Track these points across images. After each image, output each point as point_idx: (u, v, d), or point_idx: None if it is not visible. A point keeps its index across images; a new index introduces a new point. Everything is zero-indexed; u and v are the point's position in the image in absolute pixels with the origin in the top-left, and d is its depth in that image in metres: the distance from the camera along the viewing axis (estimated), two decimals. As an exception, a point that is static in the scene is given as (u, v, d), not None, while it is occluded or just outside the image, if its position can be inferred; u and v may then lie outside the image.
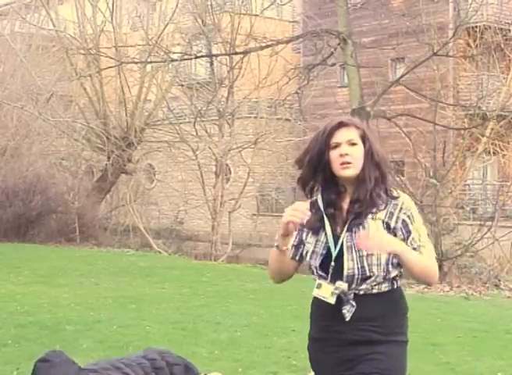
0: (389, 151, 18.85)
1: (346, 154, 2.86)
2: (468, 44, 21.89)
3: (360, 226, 2.82)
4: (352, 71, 14.68)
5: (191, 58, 19.81)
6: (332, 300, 2.82)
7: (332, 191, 2.92)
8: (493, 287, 12.73)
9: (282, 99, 17.86)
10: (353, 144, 2.89)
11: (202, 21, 20.89)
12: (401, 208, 2.86)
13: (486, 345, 7.49)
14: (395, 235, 2.83)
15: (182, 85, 25.09)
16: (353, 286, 2.82)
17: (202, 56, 20.34)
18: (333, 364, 2.88)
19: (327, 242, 2.87)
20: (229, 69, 20.40)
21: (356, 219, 2.84)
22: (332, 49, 14.92)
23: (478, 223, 15.58)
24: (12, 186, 18.75)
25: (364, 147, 2.89)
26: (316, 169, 2.92)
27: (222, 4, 22.33)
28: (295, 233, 2.96)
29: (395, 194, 2.89)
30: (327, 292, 2.84)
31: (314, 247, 2.90)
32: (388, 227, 2.84)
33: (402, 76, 16.08)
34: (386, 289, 2.86)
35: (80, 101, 23.18)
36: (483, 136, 20.31)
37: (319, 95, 23.65)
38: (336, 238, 2.87)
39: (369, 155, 2.88)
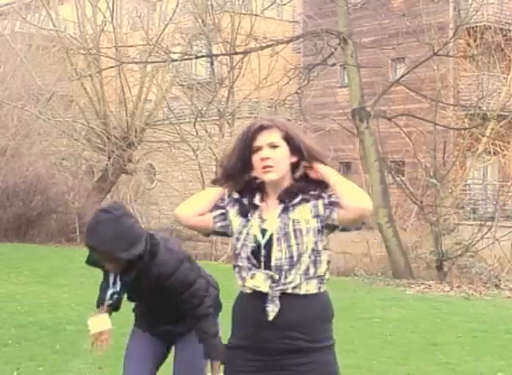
0: (389, 151, 18.88)
1: (267, 158, 2.81)
2: (468, 44, 21.89)
3: (289, 218, 2.80)
4: (352, 71, 14.67)
5: (191, 59, 19.79)
6: (266, 287, 2.76)
7: (256, 192, 2.89)
8: (493, 287, 12.72)
9: (282, 99, 17.83)
10: (275, 146, 2.83)
11: (202, 21, 20.90)
12: (328, 195, 2.83)
13: (486, 345, 7.49)
14: (325, 221, 2.81)
15: (182, 85, 25.10)
16: (282, 279, 2.76)
17: (202, 56, 20.34)
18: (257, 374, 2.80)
19: (255, 235, 2.82)
20: (230, 69, 20.41)
21: (284, 211, 2.82)
22: (333, 49, 14.91)
23: (479, 223, 15.59)
24: (12, 186, 18.75)
25: (289, 147, 2.84)
26: (240, 174, 2.87)
27: (223, 4, 22.34)
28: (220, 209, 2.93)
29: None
30: (260, 281, 2.78)
31: (244, 240, 2.84)
32: (317, 216, 2.81)
33: (402, 76, 16.07)
34: (314, 291, 2.80)
35: (80, 101, 23.18)
36: (483, 136, 20.31)
37: (319, 95, 23.65)
38: (264, 232, 2.82)
39: (297, 153, 2.84)
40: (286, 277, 2.77)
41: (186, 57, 19.03)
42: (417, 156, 16.91)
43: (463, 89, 23.40)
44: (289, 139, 2.85)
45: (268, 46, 16.02)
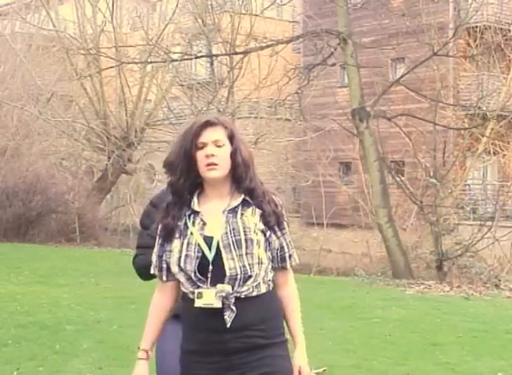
0: (389, 152, 18.88)
1: (212, 155, 2.76)
2: (468, 44, 21.89)
3: (235, 223, 2.74)
4: (352, 71, 14.68)
5: (191, 59, 19.79)
6: (219, 303, 2.69)
7: (197, 191, 2.83)
8: (493, 287, 12.72)
9: (282, 99, 17.83)
10: (220, 144, 2.79)
11: (202, 21, 20.88)
12: (275, 204, 2.82)
13: (486, 345, 7.49)
14: (268, 230, 2.79)
15: (182, 85, 25.09)
16: (236, 288, 2.71)
17: (202, 56, 20.33)
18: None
19: (199, 244, 2.73)
20: (230, 69, 20.39)
21: (230, 216, 2.76)
22: (332, 49, 14.91)
23: (479, 223, 15.58)
24: (12, 186, 18.75)
25: (232, 147, 2.81)
26: (184, 171, 2.79)
27: (222, 4, 22.33)
28: (156, 248, 2.85)
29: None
30: (210, 298, 2.70)
31: (187, 251, 2.74)
32: (264, 222, 2.78)
33: (402, 76, 16.07)
34: (264, 291, 2.78)
35: (80, 102, 23.18)
36: (483, 136, 20.31)
37: (319, 95, 23.66)
38: (210, 240, 2.74)
39: (233, 155, 2.80)
40: (240, 286, 2.72)
41: (186, 57, 19.03)
42: (417, 156, 16.90)
43: (463, 89, 23.40)
44: (232, 139, 2.82)
45: (268, 46, 16.02)
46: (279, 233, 2.83)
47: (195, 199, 2.81)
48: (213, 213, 2.78)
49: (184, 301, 2.83)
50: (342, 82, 24.71)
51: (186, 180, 2.80)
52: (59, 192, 20.12)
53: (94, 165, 24.31)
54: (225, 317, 2.71)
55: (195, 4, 21.44)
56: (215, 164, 2.76)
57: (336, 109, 21.49)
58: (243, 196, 2.80)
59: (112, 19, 21.80)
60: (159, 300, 2.90)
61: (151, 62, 20.02)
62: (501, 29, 21.91)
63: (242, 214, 2.77)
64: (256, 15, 21.18)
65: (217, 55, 20.42)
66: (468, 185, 22.87)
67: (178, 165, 2.79)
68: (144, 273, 3.46)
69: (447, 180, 16.73)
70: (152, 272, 2.93)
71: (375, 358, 6.80)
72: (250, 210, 2.79)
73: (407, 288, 12.25)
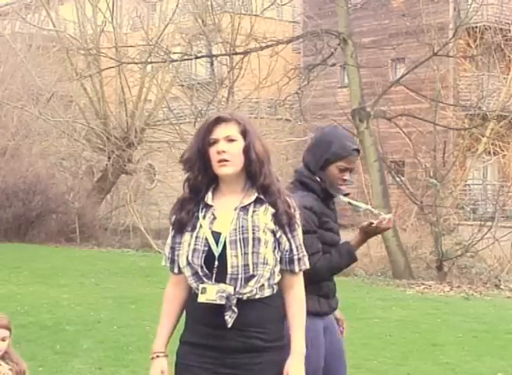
0: (389, 152, 18.88)
1: (223, 151, 2.75)
2: (468, 45, 21.89)
3: (245, 221, 2.73)
4: (352, 71, 14.68)
5: (191, 59, 19.80)
6: (222, 300, 2.69)
7: (213, 186, 2.82)
8: (493, 288, 12.74)
9: (282, 99, 17.83)
10: (232, 140, 2.77)
11: (202, 21, 20.87)
12: (290, 207, 2.78)
13: (486, 345, 7.50)
14: (279, 230, 2.76)
15: (182, 85, 25.09)
16: (238, 289, 2.70)
17: (202, 56, 20.34)
18: (210, 371, 2.75)
19: (207, 239, 2.73)
20: (230, 69, 20.39)
21: (241, 214, 2.75)
22: (333, 49, 14.92)
23: (479, 223, 15.59)
24: (12, 186, 18.75)
25: (245, 142, 2.78)
26: (201, 168, 2.79)
27: (223, 4, 22.33)
28: (170, 240, 2.86)
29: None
30: (213, 294, 2.70)
31: (195, 244, 2.75)
32: (276, 221, 2.76)
33: (402, 77, 16.08)
34: (268, 294, 2.76)
35: (80, 102, 23.17)
36: (483, 136, 20.31)
37: (319, 95, 23.65)
38: (217, 236, 2.73)
39: (246, 151, 2.77)
40: (242, 287, 2.71)
41: (186, 57, 19.04)
42: (417, 156, 16.92)
43: (463, 89, 23.40)
44: (246, 134, 2.80)
45: (268, 46, 16.02)
46: (289, 235, 2.80)
47: (209, 194, 2.81)
48: (225, 209, 2.77)
49: (190, 294, 2.84)
50: (342, 82, 24.71)
51: (203, 176, 2.80)
52: (59, 192, 20.11)
53: (94, 165, 24.29)
54: (226, 317, 2.70)
55: (195, 4, 21.43)
56: (226, 160, 2.75)
57: (336, 109, 21.50)
58: (256, 194, 2.78)
59: (112, 19, 21.80)
60: (173, 293, 2.90)
61: (151, 63, 20.01)
62: (501, 29, 21.91)
63: (254, 212, 2.76)
64: (256, 15, 21.18)
65: (217, 56, 20.41)
66: (468, 185, 22.87)
67: (195, 162, 2.80)
68: (330, 274, 3.53)
69: (447, 181, 16.76)
70: (163, 264, 2.93)
71: (375, 358, 6.80)
72: (262, 208, 2.77)
73: (407, 288, 12.26)
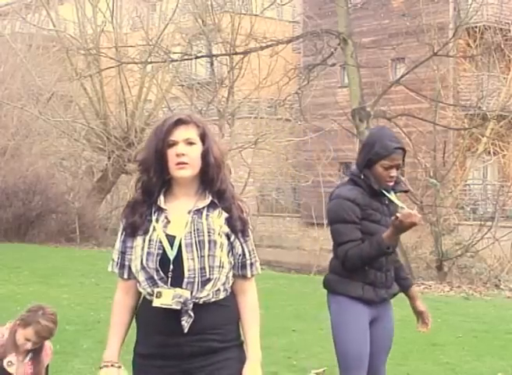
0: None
1: (183, 154, 2.70)
2: (468, 45, 21.90)
3: (200, 224, 2.69)
4: (352, 71, 14.68)
5: (191, 59, 19.80)
6: (178, 305, 2.63)
7: (164, 189, 2.77)
8: (493, 288, 12.74)
9: (282, 99, 17.85)
10: (191, 143, 2.73)
11: (202, 21, 20.87)
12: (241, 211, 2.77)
13: (486, 345, 7.50)
14: (232, 234, 2.73)
15: (182, 85, 25.09)
16: (194, 293, 2.65)
17: (202, 56, 20.33)
18: None
19: (161, 241, 2.67)
20: (230, 69, 20.39)
21: (195, 217, 2.72)
22: (333, 49, 14.92)
23: (478, 223, 15.61)
24: (12, 186, 18.75)
25: (203, 146, 2.75)
26: (157, 169, 2.73)
27: (223, 4, 22.32)
28: (119, 244, 2.79)
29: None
30: (169, 299, 2.64)
31: (148, 248, 2.68)
32: (229, 226, 2.73)
33: (402, 77, 16.08)
34: (223, 297, 2.74)
35: (80, 102, 23.17)
36: (483, 136, 20.32)
37: (319, 95, 23.66)
38: (172, 239, 2.68)
39: (205, 155, 2.74)
40: (199, 292, 2.67)
41: (186, 57, 19.03)
42: (417, 156, 16.92)
43: (462, 89, 23.41)
44: (204, 138, 2.76)
45: (268, 46, 16.02)
46: (241, 240, 2.77)
47: (161, 197, 2.75)
48: (178, 212, 2.72)
49: (141, 302, 2.78)
50: (342, 82, 24.72)
51: (158, 178, 2.74)
52: (59, 192, 20.11)
53: (94, 165, 24.29)
54: (183, 322, 2.65)
55: (195, 4, 21.43)
56: (185, 163, 2.71)
57: (336, 109, 21.51)
58: (211, 198, 2.74)
59: (112, 19, 21.80)
60: (123, 299, 2.83)
61: (151, 62, 20.01)
62: (501, 29, 21.92)
63: (207, 215, 2.72)
64: (256, 15, 21.18)
65: (217, 55, 20.41)
66: (468, 185, 22.88)
67: (151, 163, 2.74)
68: (361, 262, 3.72)
69: (447, 181, 16.77)
70: (110, 269, 2.85)
71: (375, 359, 6.79)
72: (216, 212, 2.73)
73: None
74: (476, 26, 21.27)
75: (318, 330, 7.68)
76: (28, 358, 4.26)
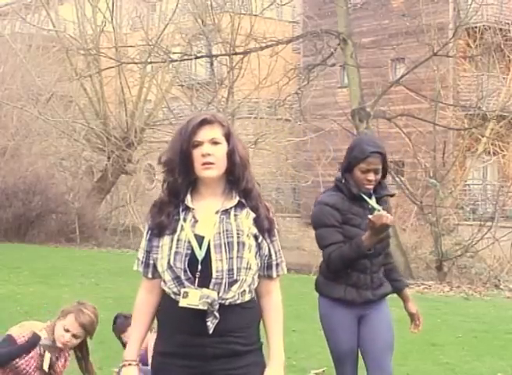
0: (388, 152, 18.86)
1: (208, 154, 2.69)
2: (468, 45, 21.91)
3: (229, 225, 2.69)
4: (352, 71, 14.68)
5: (191, 59, 19.78)
6: (204, 306, 2.63)
7: (190, 188, 2.76)
8: (493, 288, 12.73)
9: (282, 99, 17.83)
10: (216, 143, 2.71)
11: (202, 21, 20.88)
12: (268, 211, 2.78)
13: (486, 345, 7.50)
14: (260, 235, 2.74)
15: (182, 85, 25.10)
16: (221, 294, 2.65)
17: (202, 56, 20.33)
18: None
19: (190, 242, 2.67)
20: (229, 69, 20.39)
21: (223, 217, 2.71)
22: (332, 49, 14.92)
23: (478, 223, 15.59)
24: (11, 186, 18.75)
25: (228, 146, 2.74)
26: (180, 169, 2.72)
27: (222, 4, 22.32)
28: (144, 243, 2.80)
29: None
30: (196, 299, 2.63)
31: (177, 247, 2.68)
32: (257, 226, 2.73)
33: (402, 77, 16.08)
34: (248, 299, 2.74)
35: (80, 102, 23.18)
36: (483, 136, 20.33)
37: (319, 96, 23.65)
38: (200, 239, 2.68)
39: (230, 155, 2.73)
40: (225, 292, 2.67)
41: (185, 57, 19.02)
42: (417, 156, 16.92)
43: (462, 89, 23.41)
44: (229, 137, 2.75)
45: (267, 46, 16.02)
46: (268, 240, 2.76)
47: (188, 196, 2.75)
48: (205, 212, 2.72)
49: (165, 301, 2.77)
50: (342, 82, 24.71)
51: (183, 179, 2.73)
52: (59, 192, 20.12)
53: (94, 165, 24.30)
54: (208, 323, 2.65)
55: (195, 4, 21.43)
56: (211, 163, 2.70)
57: (336, 110, 21.50)
58: (238, 198, 2.74)
59: (111, 19, 21.79)
60: (146, 298, 2.83)
61: (150, 63, 20.00)
62: (501, 29, 21.92)
63: (235, 216, 2.71)
64: (256, 15, 21.18)
65: (217, 56, 20.41)
66: (468, 185, 22.88)
67: (176, 164, 2.72)
68: (343, 264, 3.87)
69: (447, 181, 16.76)
70: (136, 269, 2.86)
71: (375, 359, 6.79)
72: (244, 213, 2.73)
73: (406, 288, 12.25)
74: (476, 27, 21.27)
75: (317, 331, 7.66)
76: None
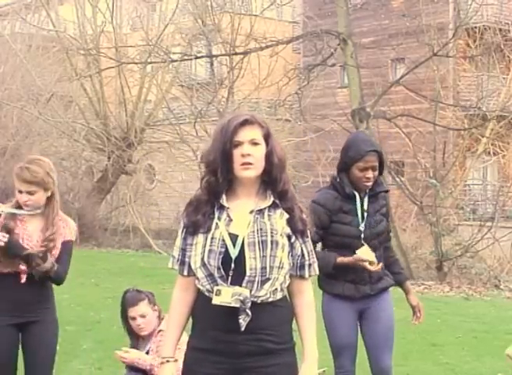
0: (388, 152, 18.88)
1: (248, 154, 2.73)
2: (468, 45, 21.90)
3: (263, 224, 2.72)
4: (352, 72, 14.67)
5: (191, 59, 19.80)
6: (237, 303, 2.67)
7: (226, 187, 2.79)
8: (493, 288, 12.74)
9: (282, 100, 17.83)
10: (256, 143, 2.75)
11: (202, 21, 20.87)
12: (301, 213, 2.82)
13: (486, 346, 7.50)
14: (293, 235, 2.77)
15: (182, 85, 25.09)
16: (253, 292, 2.69)
17: (202, 57, 20.34)
18: None
19: (224, 240, 2.72)
20: (229, 69, 20.38)
21: (258, 217, 2.75)
22: (332, 50, 14.91)
23: (478, 223, 15.59)
24: (11, 186, 18.64)
25: (267, 147, 2.78)
26: (221, 169, 2.75)
27: (222, 4, 22.32)
28: (180, 241, 2.82)
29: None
30: (228, 297, 2.68)
31: (210, 245, 2.72)
32: (291, 226, 2.77)
33: (402, 77, 16.07)
34: (280, 297, 2.78)
35: (80, 102, 23.17)
36: (483, 136, 20.33)
37: (319, 96, 23.65)
38: (234, 238, 2.72)
39: (269, 156, 2.77)
40: (258, 290, 2.71)
41: (185, 57, 19.03)
42: (417, 157, 16.92)
43: (462, 89, 23.41)
44: (268, 138, 2.79)
45: (267, 46, 16.02)
46: (301, 240, 2.81)
47: (223, 195, 2.79)
48: (240, 211, 2.76)
49: (199, 298, 2.81)
50: (342, 82, 24.71)
51: (224, 179, 2.77)
52: (59, 192, 20.07)
53: (94, 165, 24.29)
54: (240, 320, 2.69)
55: (195, 4, 21.43)
56: (250, 163, 2.73)
57: (336, 110, 21.49)
58: (272, 199, 2.78)
59: (111, 19, 21.80)
60: (181, 296, 2.86)
61: (150, 63, 20.00)
62: (501, 29, 21.92)
63: (269, 215, 2.75)
64: (256, 15, 21.18)
65: (217, 56, 20.41)
66: (468, 185, 22.87)
67: (219, 164, 2.75)
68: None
69: (447, 181, 16.76)
70: (170, 266, 2.89)
71: (375, 359, 6.79)
72: (278, 213, 2.77)
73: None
74: (476, 27, 21.26)
75: (319, 331, 7.69)
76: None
